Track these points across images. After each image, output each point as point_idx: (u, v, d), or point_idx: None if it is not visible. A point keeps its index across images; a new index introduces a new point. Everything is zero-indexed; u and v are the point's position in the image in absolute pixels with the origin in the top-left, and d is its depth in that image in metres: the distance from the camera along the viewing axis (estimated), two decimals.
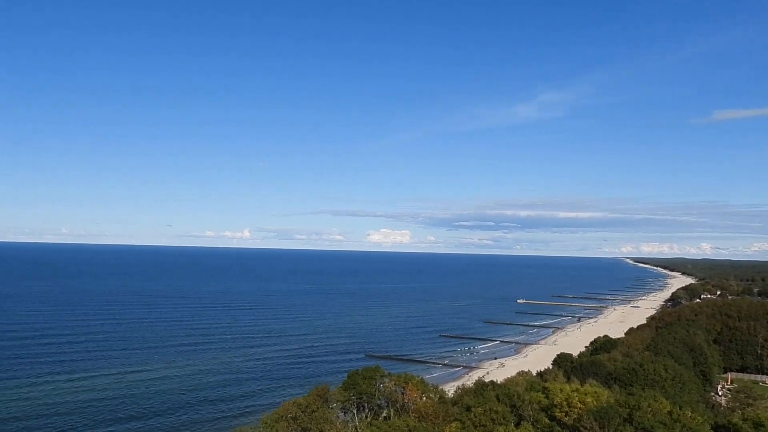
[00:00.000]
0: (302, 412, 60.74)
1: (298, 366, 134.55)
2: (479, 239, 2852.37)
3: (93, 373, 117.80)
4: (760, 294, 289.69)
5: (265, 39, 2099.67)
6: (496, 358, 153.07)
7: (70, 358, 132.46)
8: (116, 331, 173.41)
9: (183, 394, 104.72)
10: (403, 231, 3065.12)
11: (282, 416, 60.20)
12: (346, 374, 72.49)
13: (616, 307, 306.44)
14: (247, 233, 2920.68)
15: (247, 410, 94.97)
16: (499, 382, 77.29)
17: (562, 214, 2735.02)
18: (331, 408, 65.65)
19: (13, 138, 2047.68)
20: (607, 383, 76.30)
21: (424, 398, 66.34)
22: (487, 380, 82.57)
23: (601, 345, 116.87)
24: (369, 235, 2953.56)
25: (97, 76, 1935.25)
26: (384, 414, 66.26)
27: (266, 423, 59.80)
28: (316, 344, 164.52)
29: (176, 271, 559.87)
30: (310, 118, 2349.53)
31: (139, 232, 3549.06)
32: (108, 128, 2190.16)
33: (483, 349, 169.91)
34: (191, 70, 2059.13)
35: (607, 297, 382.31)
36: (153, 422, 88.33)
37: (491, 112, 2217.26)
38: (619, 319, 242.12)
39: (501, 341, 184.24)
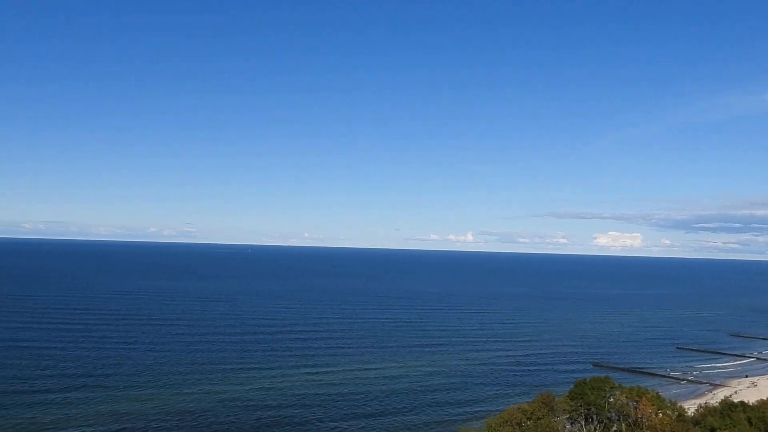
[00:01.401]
0: (527, 418, 60.85)
1: (522, 373, 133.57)
2: (723, 243, 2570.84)
3: (332, 368, 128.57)
4: None
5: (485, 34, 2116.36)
6: (746, 376, 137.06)
7: (313, 353, 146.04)
8: (352, 329, 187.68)
9: (413, 394, 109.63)
10: (634, 234, 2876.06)
11: (506, 421, 60.85)
12: (571, 384, 70.85)
13: None
14: (470, 237, 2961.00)
15: (473, 416, 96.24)
16: (750, 404, 69.97)
17: None
18: (558, 418, 64.77)
19: (265, 156, 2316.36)
20: None
21: (660, 415, 62.46)
22: (735, 400, 75.07)
23: None
24: (595, 238, 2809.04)
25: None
26: (614, 428, 63.66)
27: (491, 426, 60.91)
28: (540, 351, 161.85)
29: (403, 273, 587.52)
30: (534, 115, 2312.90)
31: (369, 235, 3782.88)
32: (343, 142, 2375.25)
33: (729, 365, 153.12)
34: (420, 81, 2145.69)
35: None
36: (386, 420, 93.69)
37: (738, 99, 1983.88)
38: None
39: (753, 358, 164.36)
